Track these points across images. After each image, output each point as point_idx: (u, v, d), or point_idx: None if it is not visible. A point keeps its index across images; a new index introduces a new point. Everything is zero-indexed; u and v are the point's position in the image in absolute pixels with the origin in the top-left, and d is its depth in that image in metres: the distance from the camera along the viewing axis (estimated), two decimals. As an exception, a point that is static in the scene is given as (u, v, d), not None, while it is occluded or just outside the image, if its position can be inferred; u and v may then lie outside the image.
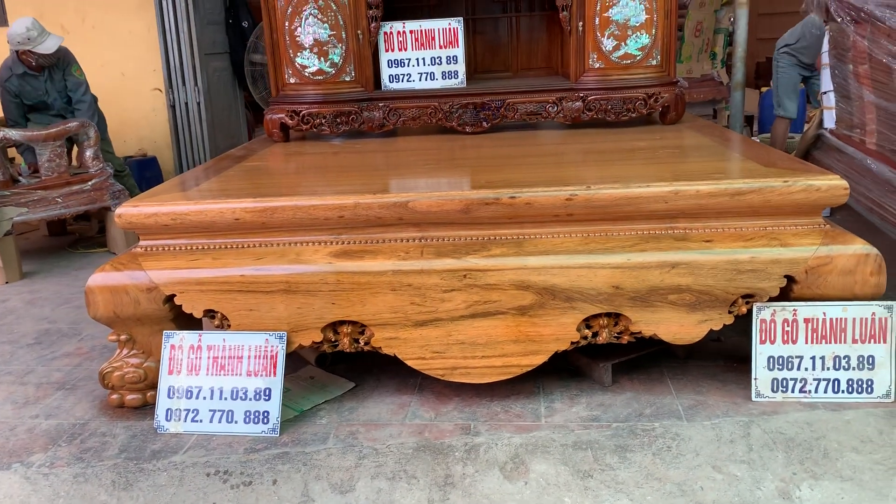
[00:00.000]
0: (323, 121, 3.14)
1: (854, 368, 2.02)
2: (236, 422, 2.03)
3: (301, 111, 3.15)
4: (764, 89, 6.33)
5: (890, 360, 2.01)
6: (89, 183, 3.76)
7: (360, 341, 2.10)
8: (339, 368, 2.39)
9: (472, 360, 2.07)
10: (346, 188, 2.20)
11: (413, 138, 3.19)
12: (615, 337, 2.08)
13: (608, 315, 2.06)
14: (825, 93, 3.77)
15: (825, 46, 3.68)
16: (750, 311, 2.03)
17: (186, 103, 4.98)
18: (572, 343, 2.06)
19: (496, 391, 2.17)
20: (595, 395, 2.15)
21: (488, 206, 2.06)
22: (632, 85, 3.08)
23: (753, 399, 2.05)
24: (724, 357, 2.34)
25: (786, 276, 2.01)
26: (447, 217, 2.08)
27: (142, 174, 4.81)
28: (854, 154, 3.28)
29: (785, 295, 2.04)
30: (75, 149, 4.02)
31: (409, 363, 2.08)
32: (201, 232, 2.13)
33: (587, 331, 2.07)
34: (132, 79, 5.05)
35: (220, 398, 2.05)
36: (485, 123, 3.17)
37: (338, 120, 3.15)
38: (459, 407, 2.12)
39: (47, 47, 3.96)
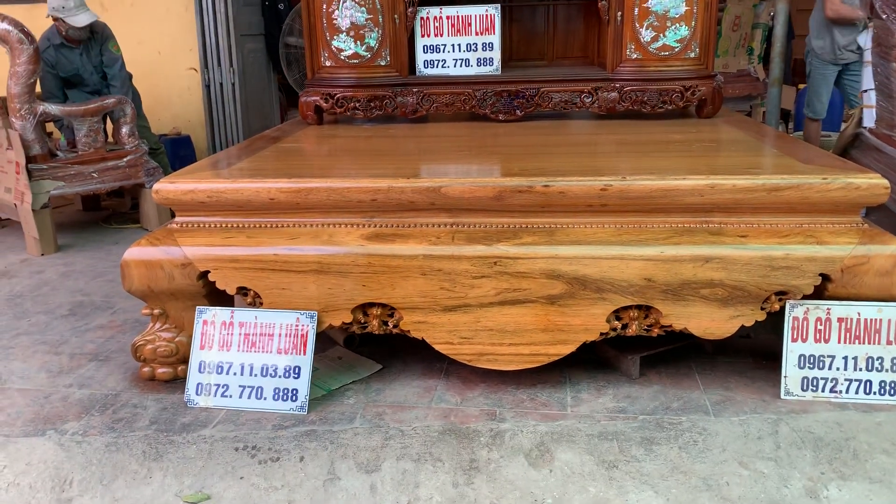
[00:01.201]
0: (357, 104, 3.15)
1: (887, 370, 1.99)
2: (265, 398, 2.06)
3: (336, 94, 3.16)
4: (801, 86, 6.22)
5: (924, 364, 1.98)
6: (125, 159, 3.81)
7: (389, 324, 2.11)
8: (366, 350, 2.40)
9: (499, 346, 2.08)
10: (379, 172, 2.21)
11: (445, 125, 3.19)
12: (645, 330, 2.07)
13: (638, 307, 2.05)
14: (866, 91, 3.70)
15: (867, 44, 3.62)
16: (782, 309, 2.01)
17: (221, 83, 5.01)
18: (602, 334, 2.06)
19: (522, 379, 2.17)
20: (622, 387, 2.15)
21: (521, 193, 2.05)
22: (669, 77, 3.05)
23: (782, 397, 2.03)
24: (753, 354, 2.32)
25: (821, 275, 1.98)
26: (479, 204, 2.08)
27: (175, 152, 4.86)
28: (893, 153, 3.22)
29: (819, 293, 2.02)
30: (111, 125, 4.08)
31: (436, 347, 2.09)
32: (236, 210, 2.15)
33: (617, 322, 2.06)
34: (168, 57, 5.10)
35: (251, 374, 2.07)
36: (518, 112, 3.16)
37: (371, 104, 3.15)
38: (485, 393, 2.13)
39: (79, 20, 3.99)
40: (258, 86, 5.33)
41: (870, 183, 1.97)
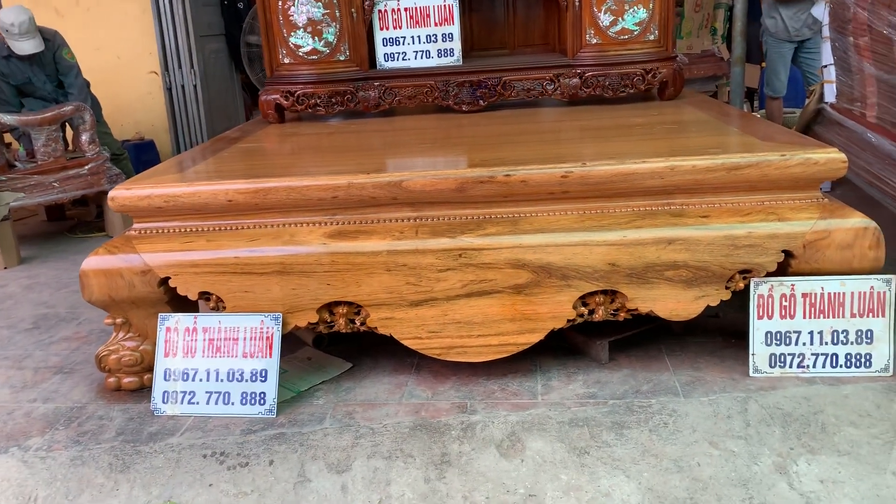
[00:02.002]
0: (318, 101, 3.12)
1: (852, 343, 2.01)
2: (233, 403, 2.03)
3: (296, 91, 3.13)
4: (765, 64, 6.26)
5: (888, 334, 1.99)
6: (86, 167, 3.75)
7: (356, 322, 2.09)
8: (337, 349, 2.38)
9: (468, 339, 2.06)
10: (340, 168, 2.18)
11: (409, 117, 3.17)
12: (612, 314, 2.07)
13: (604, 292, 2.05)
14: (825, 66, 3.73)
15: (826, 19, 3.64)
16: (747, 287, 2.02)
17: (183, 86, 4.95)
18: (569, 321, 2.05)
19: (493, 370, 2.16)
20: (592, 372, 2.15)
21: (483, 184, 2.04)
22: (629, 60, 3.05)
23: (751, 375, 2.04)
24: (722, 333, 2.33)
25: (783, 251, 1.99)
26: (442, 196, 2.06)
27: (139, 157, 4.79)
28: (854, 128, 3.25)
29: (783, 270, 2.03)
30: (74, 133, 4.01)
31: (405, 343, 2.07)
32: (195, 214, 2.12)
33: (583, 308, 2.06)
34: (128, 62, 5.03)
35: (217, 380, 2.05)
36: (481, 102, 3.14)
37: (333, 100, 3.12)
38: (456, 386, 2.12)
39: (22, 48, 3.93)
40: (221, 86, 5.27)
41: (828, 157, 1.98)
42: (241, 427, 1.97)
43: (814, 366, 2.02)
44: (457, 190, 2.05)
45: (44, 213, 4.55)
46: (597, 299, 2.05)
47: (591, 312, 2.06)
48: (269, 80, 3.19)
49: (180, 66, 4.93)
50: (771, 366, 2.03)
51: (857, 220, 1.98)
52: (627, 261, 2.00)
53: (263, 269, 2.06)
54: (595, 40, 3.05)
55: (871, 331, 2.00)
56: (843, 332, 2.01)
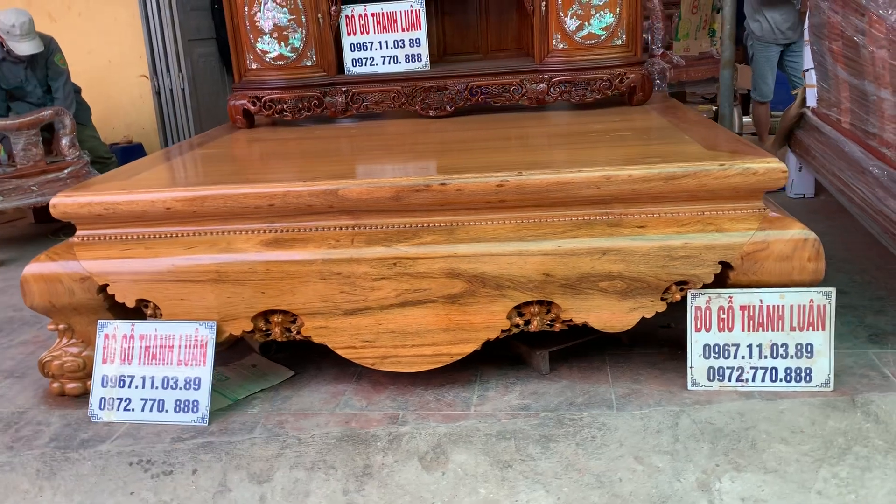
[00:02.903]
0: (285, 107, 3.12)
1: (792, 357, 1.96)
2: (167, 411, 2.03)
3: (263, 97, 3.13)
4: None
5: (829, 349, 1.95)
6: (65, 171, 3.79)
7: (292, 330, 2.09)
8: (283, 356, 2.38)
9: (402, 348, 2.05)
10: (283, 176, 2.19)
11: (376, 123, 3.16)
12: (548, 325, 2.04)
13: (540, 303, 2.02)
14: (807, 70, 3.67)
15: (806, 22, 3.58)
16: (685, 299, 1.98)
17: (171, 90, 4.99)
18: (503, 331, 2.03)
19: (433, 379, 2.14)
20: (531, 383, 2.12)
21: (419, 192, 2.02)
22: (596, 66, 3.01)
23: (689, 388, 2.01)
24: (671, 344, 2.29)
25: (721, 263, 1.95)
26: (378, 205, 2.05)
27: (127, 161, 4.78)
28: (830, 134, 3.19)
29: (722, 282, 1.99)
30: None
31: (339, 352, 2.07)
32: (134, 221, 2.12)
33: (519, 319, 2.04)
34: (118, 66, 5.08)
35: (152, 387, 2.05)
36: (448, 107, 3.13)
37: (299, 105, 3.12)
38: (393, 396, 2.10)
39: (22, 49, 4.02)
40: (210, 90, 5.30)
41: (767, 167, 1.94)
42: (172, 435, 1.98)
43: (753, 380, 1.98)
44: (393, 198, 2.03)
45: (31, 216, 4.61)
46: (532, 310, 2.03)
47: (528, 323, 2.04)
48: (237, 86, 3.20)
49: (168, 70, 4.97)
50: (709, 379, 2.00)
51: (796, 232, 1.93)
52: (562, 271, 1.97)
53: (199, 276, 2.06)
54: (562, 45, 3.02)
55: (811, 345, 1.95)
56: (782, 346, 1.96)
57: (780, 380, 1.97)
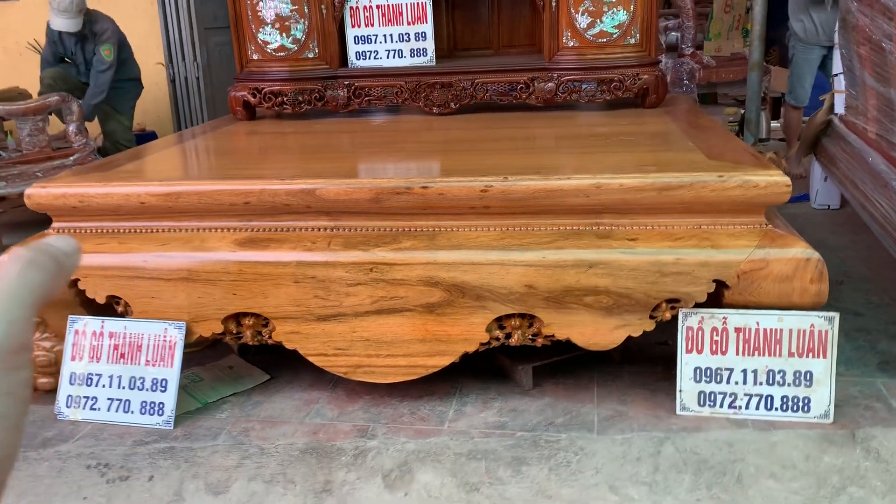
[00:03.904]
0: (285, 99, 3.04)
1: (789, 384, 1.83)
2: (132, 412, 1.97)
3: (263, 89, 3.05)
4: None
5: (829, 378, 1.81)
6: (71, 158, 3.77)
7: (263, 335, 2.01)
8: (261, 359, 2.31)
9: (376, 358, 1.96)
10: (268, 172, 2.11)
11: (378, 119, 3.07)
12: (529, 339, 1.93)
13: (522, 316, 1.92)
14: (836, 75, 3.49)
15: (837, 25, 3.40)
16: (675, 318, 1.86)
17: (186, 77, 4.96)
18: (482, 344, 1.93)
19: (410, 390, 2.05)
20: (511, 399, 2.02)
21: (399, 195, 1.93)
22: (607, 65, 2.88)
23: (678, 412, 1.88)
24: (665, 363, 2.16)
25: (716, 281, 1.83)
26: (357, 206, 1.96)
27: (141, 149, 4.83)
28: (856, 143, 3.02)
29: (717, 301, 1.86)
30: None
31: (310, 359, 1.98)
32: (109, 215, 2.06)
33: (499, 332, 1.93)
34: (136, 53, 5.03)
35: (119, 387, 1.99)
36: (453, 105, 3.02)
37: (300, 98, 3.04)
38: (366, 406, 2.01)
39: (55, 23, 4.16)
40: (225, 79, 5.23)
41: (769, 181, 1.80)
42: (134, 438, 1.91)
43: (746, 407, 1.85)
44: (372, 200, 1.94)
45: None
46: (513, 323, 1.92)
47: (508, 337, 1.94)
48: (238, 77, 3.13)
49: (184, 58, 4.94)
50: (700, 404, 1.87)
51: (798, 251, 1.80)
52: (545, 283, 1.86)
53: (171, 274, 1.99)
54: (572, 43, 2.89)
55: (811, 372, 1.82)
56: (779, 373, 1.83)
57: (776, 409, 1.84)
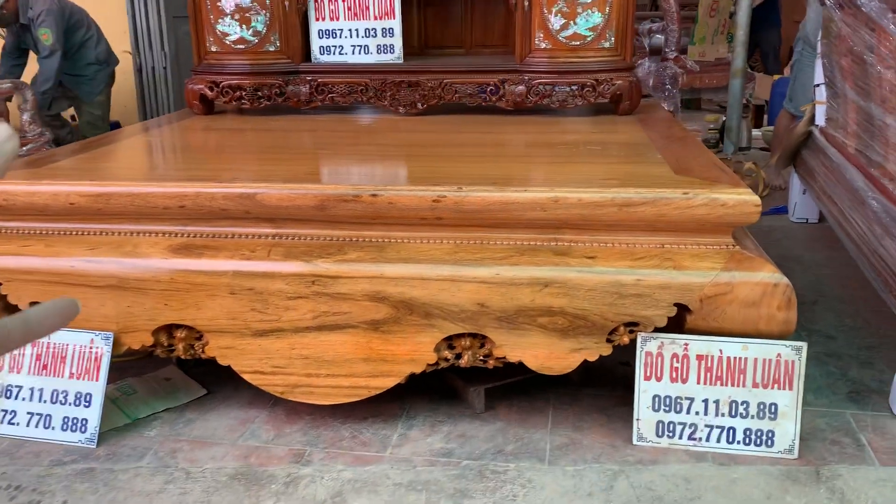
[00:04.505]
0: (243, 94, 2.91)
1: (753, 417, 1.72)
2: (53, 428, 1.84)
3: (221, 82, 2.92)
4: (777, 77, 5.86)
5: (795, 411, 1.71)
6: (24, 148, 3.60)
7: (197, 348, 1.88)
8: (202, 371, 2.17)
9: (316, 377, 1.83)
10: (207, 173, 1.98)
11: (341, 118, 2.94)
12: (480, 361, 1.81)
13: (473, 335, 1.80)
14: (818, 85, 3.38)
15: (820, 34, 3.30)
16: (634, 342, 1.75)
17: (153, 67, 4.80)
18: (429, 365, 1.80)
19: (356, 411, 1.93)
20: (461, 423, 1.90)
21: (347, 203, 1.80)
22: (580, 69, 2.76)
23: (635, 442, 1.77)
24: (626, 386, 2.03)
25: (678, 305, 1.71)
26: (301, 214, 1.83)
27: (104, 139, 4.66)
28: (835, 157, 2.92)
29: (679, 325, 1.75)
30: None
31: (245, 377, 1.85)
32: (36, 215, 1.92)
33: (448, 352, 1.81)
34: (104, 40, 4.90)
35: (40, 400, 1.85)
36: (420, 105, 2.90)
37: (259, 93, 2.90)
38: (306, 428, 1.89)
39: None
40: (196, 70, 5.11)
41: (737, 199, 1.69)
42: (53, 456, 1.78)
43: (707, 439, 1.74)
44: (317, 208, 1.81)
45: None
46: (463, 343, 1.80)
47: (458, 357, 1.82)
48: (196, 69, 2.98)
49: (151, 47, 4.78)
50: (658, 434, 1.76)
51: (766, 275, 1.69)
52: (498, 302, 1.75)
53: (99, 281, 1.86)
54: (544, 45, 2.77)
55: (776, 405, 1.71)
56: (742, 404, 1.73)
57: (738, 442, 1.73)
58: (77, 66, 4.21)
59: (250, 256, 1.83)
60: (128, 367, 2.16)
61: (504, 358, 1.79)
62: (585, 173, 1.95)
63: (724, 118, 4.78)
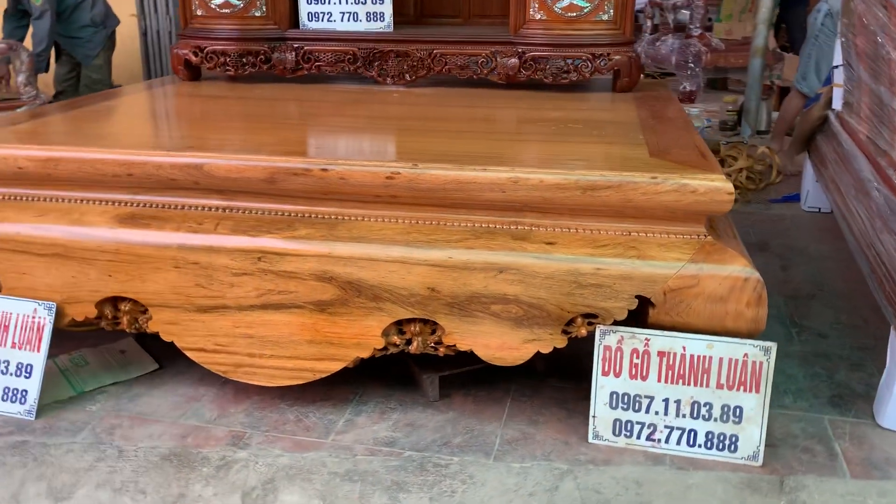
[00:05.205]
0: (227, 60, 2.82)
1: (716, 419, 1.61)
2: (-6, 398, 1.80)
3: (206, 48, 2.83)
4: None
5: (762, 415, 1.59)
6: (18, 111, 3.57)
7: (141, 322, 1.82)
8: (160, 345, 2.10)
9: (259, 358, 1.76)
10: (158, 141, 1.90)
11: (326, 87, 2.83)
12: (431, 348, 1.72)
13: (424, 321, 1.71)
14: (836, 67, 3.20)
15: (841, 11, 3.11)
16: (592, 335, 1.64)
17: (158, 31, 4.73)
18: (377, 350, 1.72)
19: (305, 393, 1.85)
20: (412, 411, 1.82)
21: (297, 177, 1.71)
22: (575, 42, 2.62)
23: (590, 440, 1.67)
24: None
25: (639, 297, 1.60)
26: (250, 186, 1.75)
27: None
28: (846, 144, 2.75)
29: (641, 319, 1.64)
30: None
31: (188, 354, 1.79)
32: (-14, 180, 1.87)
33: (398, 337, 1.72)
34: (110, 3, 4.83)
35: (-18, 370, 1.81)
36: (408, 76, 2.78)
37: (243, 60, 2.81)
38: (250, 409, 1.82)
39: None
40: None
41: (709, 186, 1.57)
42: (-10, 428, 1.74)
43: (666, 441, 1.64)
44: (266, 181, 1.73)
45: None
46: (413, 328, 1.71)
47: (408, 343, 1.73)
48: (182, 33, 2.90)
49: (156, 11, 4.71)
50: (615, 433, 1.66)
51: (736, 269, 1.57)
52: (450, 287, 1.65)
53: (44, 249, 1.80)
54: (539, 16, 2.63)
55: (741, 408, 1.60)
56: (705, 405, 1.61)
57: (699, 445, 1.62)
58: (71, 29, 4.16)
59: (197, 229, 1.75)
60: (85, 336, 2.10)
61: (454, 346, 1.69)
62: (557, 153, 1.84)
63: (743, 99, 4.57)
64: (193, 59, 2.85)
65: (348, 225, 1.73)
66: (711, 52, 5.66)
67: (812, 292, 2.52)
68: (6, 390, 1.79)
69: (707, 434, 1.62)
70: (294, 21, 2.85)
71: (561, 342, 1.64)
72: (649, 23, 6.15)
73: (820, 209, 3.44)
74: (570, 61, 2.63)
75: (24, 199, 1.86)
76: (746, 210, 3.43)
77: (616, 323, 1.62)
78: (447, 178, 1.65)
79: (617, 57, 2.63)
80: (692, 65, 5.61)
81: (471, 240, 1.66)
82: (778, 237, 3.11)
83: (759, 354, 1.57)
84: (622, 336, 1.62)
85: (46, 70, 4.11)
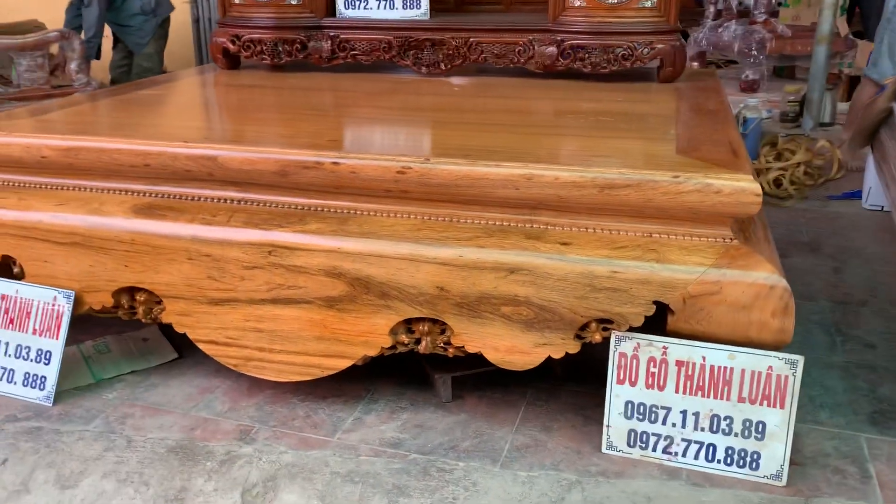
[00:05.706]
0: (264, 48, 2.82)
1: (737, 435, 1.52)
2: (15, 383, 1.83)
3: (243, 36, 2.83)
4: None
5: (787, 432, 1.49)
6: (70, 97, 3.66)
7: (155, 313, 1.82)
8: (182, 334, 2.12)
9: (269, 353, 1.74)
10: (177, 132, 1.90)
11: (361, 76, 2.79)
12: (441, 348, 1.68)
13: (434, 321, 1.66)
14: (904, 55, 2.99)
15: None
16: (607, 341, 1.56)
17: (210, 19, 4.78)
18: (384, 349, 1.68)
19: (318, 388, 1.83)
20: (423, 411, 1.77)
21: (308, 170, 1.68)
22: (617, 30, 2.52)
23: (604, 451, 1.60)
24: (616, 384, 1.87)
25: (657, 303, 1.52)
26: (263, 179, 1.73)
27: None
28: (911, 140, 2.57)
29: (659, 326, 1.55)
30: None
31: (200, 346, 1.79)
32: (11, 168, 1.90)
33: (405, 336, 1.68)
34: (167, -10, 4.91)
35: (5, 354, 1.85)
36: (443, 65, 2.73)
37: (279, 49, 2.81)
38: (262, 403, 1.81)
39: None
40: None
41: (734, 187, 1.46)
42: (10, 412, 1.77)
43: (683, 455, 1.55)
44: (278, 173, 1.70)
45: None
46: (422, 328, 1.67)
47: (417, 342, 1.68)
48: (221, 22, 2.91)
49: (209, -2, 4.77)
50: (630, 444, 1.58)
51: (762, 275, 1.46)
52: (459, 287, 1.60)
53: (65, 238, 1.82)
54: (579, 2, 2.54)
55: (763, 423, 1.50)
56: (725, 419, 1.52)
57: (719, 461, 1.53)
58: (122, 17, 4.23)
59: (210, 221, 1.75)
60: (111, 322, 2.12)
61: (463, 347, 1.64)
62: (577, 148, 1.76)
63: (806, 89, 4.34)
64: (231, 47, 2.85)
65: (359, 220, 1.69)
66: (777, 39, 5.42)
67: (864, 298, 2.36)
68: (27, 375, 1.83)
69: (727, 449, 1.52)
70: (331, 9, 2.82)
71: (574, 347, 1.57)
72: (712, 8, 5.93)
73: (882, 207, 3.24)
74: (610, 50, 2.53)
75: (48, 187, 1.89)
76: (802, 207, 3.25)
77: (632, 329, 1.54)
78: (459, 173, 1.59)
79: (660, 45, 2.52)
80: (755, 52, 5.37)
81: (482, 238, 1.61)
82: (833, 237, 2.94)
83: (785, 368, 1.47)
84: (638, 343, 1.54)
85: (98, 57, 4.20)
